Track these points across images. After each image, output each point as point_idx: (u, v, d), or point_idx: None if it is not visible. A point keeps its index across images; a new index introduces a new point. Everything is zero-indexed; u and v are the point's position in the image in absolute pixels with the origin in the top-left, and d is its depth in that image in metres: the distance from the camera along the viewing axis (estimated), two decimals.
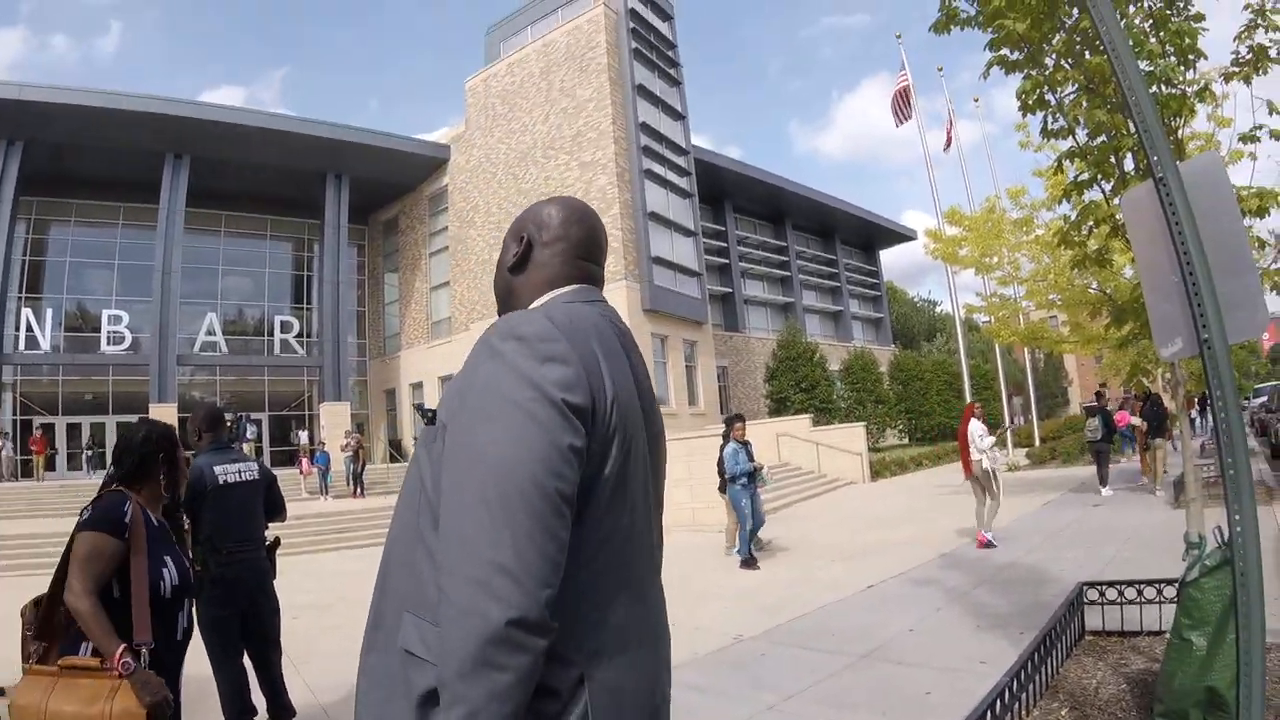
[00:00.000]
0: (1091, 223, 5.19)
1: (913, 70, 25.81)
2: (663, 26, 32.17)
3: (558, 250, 1.47)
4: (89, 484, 23.43)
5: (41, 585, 2.62)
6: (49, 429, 28.15)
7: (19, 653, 2.60)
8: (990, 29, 4.95)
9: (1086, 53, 4.78)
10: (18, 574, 11.89)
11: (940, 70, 25.56)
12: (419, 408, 1.52)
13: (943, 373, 39.25)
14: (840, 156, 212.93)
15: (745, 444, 10.45)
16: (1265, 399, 23.77)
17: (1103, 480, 13.79)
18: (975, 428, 10.05)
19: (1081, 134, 4.95)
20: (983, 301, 18.27)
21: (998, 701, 3.36)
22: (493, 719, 1.04)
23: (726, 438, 10.55)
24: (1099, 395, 15.74)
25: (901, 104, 25.90)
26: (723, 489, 10.70)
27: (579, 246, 1.49)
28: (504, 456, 1.11)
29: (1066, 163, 5.11)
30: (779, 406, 31.87)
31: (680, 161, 31.30)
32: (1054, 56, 5.04)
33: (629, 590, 1.27)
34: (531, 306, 1.38)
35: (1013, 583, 7.53)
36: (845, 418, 31.10)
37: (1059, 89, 4.90)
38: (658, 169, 29.45)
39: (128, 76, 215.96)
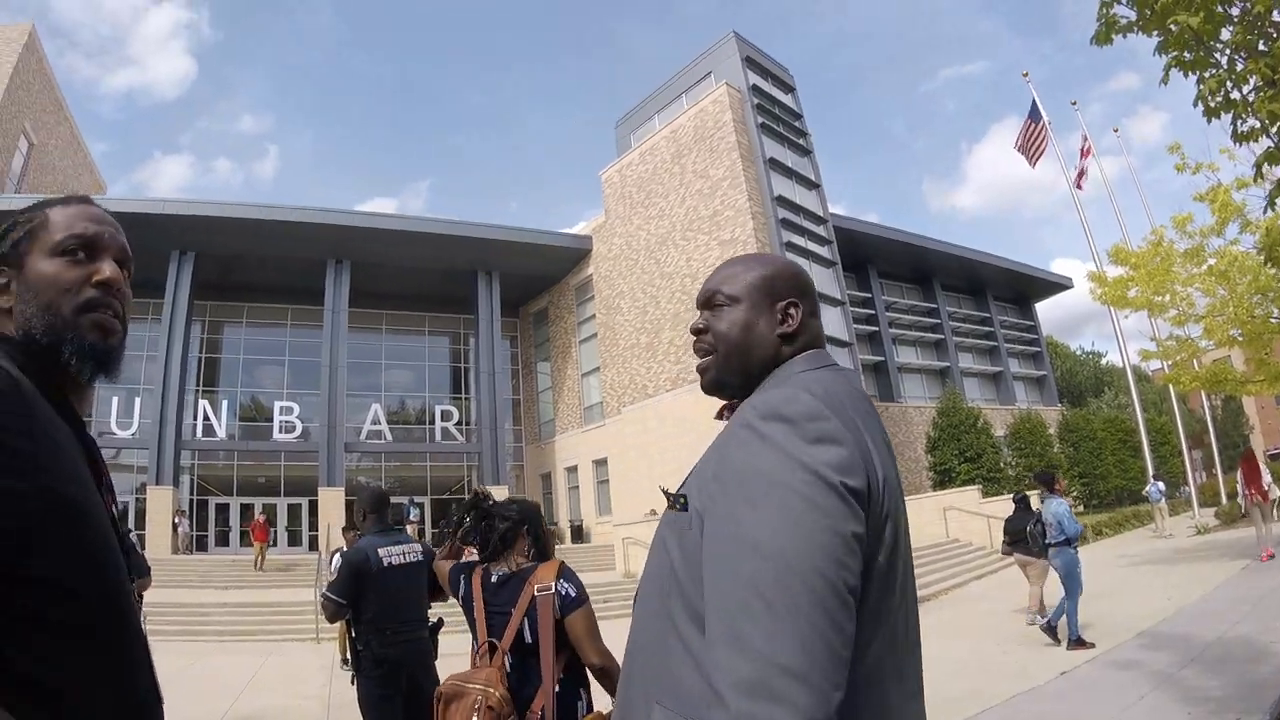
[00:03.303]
0: None
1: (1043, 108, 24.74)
2: (786, 99, 32.52)
3: (809, 311, 1.35)
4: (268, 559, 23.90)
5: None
6: (222, 509, 30.17)
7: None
8: (1157, 31, 4.46)
9: (1261, 43, 4.21)
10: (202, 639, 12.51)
11: (1074, 104, 24.45)
12: (665, 491, 1.35)
13: (1116, 430, 36.04)
14: (977, 209, 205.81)
15: None
16: None
17: None
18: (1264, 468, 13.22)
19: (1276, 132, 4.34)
20: (1156, 345, 16.77)
21: None
22: None
23: (1044, 497, 9.38)
24: None
25: (1032, 145, 24.82)
26: (1039, 553, 9.36)
27: (814, 303, 1.37)
28: (782, 547, 0.99)
29: (1265, 167, 4.48)
30: (943, 479, 30.01)
31: (819, 230, 31.06)
32: (1228, 51, 4.48)
33: (901, 687, 1.12)
34: (781, 376, 1.26)
35: (1223, 661, 6.78)
36: (1015, 486, 29.08)
37: (1243, 85, 4.32)
38: (798, 240, 29.31)
39: (286, 193, 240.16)
